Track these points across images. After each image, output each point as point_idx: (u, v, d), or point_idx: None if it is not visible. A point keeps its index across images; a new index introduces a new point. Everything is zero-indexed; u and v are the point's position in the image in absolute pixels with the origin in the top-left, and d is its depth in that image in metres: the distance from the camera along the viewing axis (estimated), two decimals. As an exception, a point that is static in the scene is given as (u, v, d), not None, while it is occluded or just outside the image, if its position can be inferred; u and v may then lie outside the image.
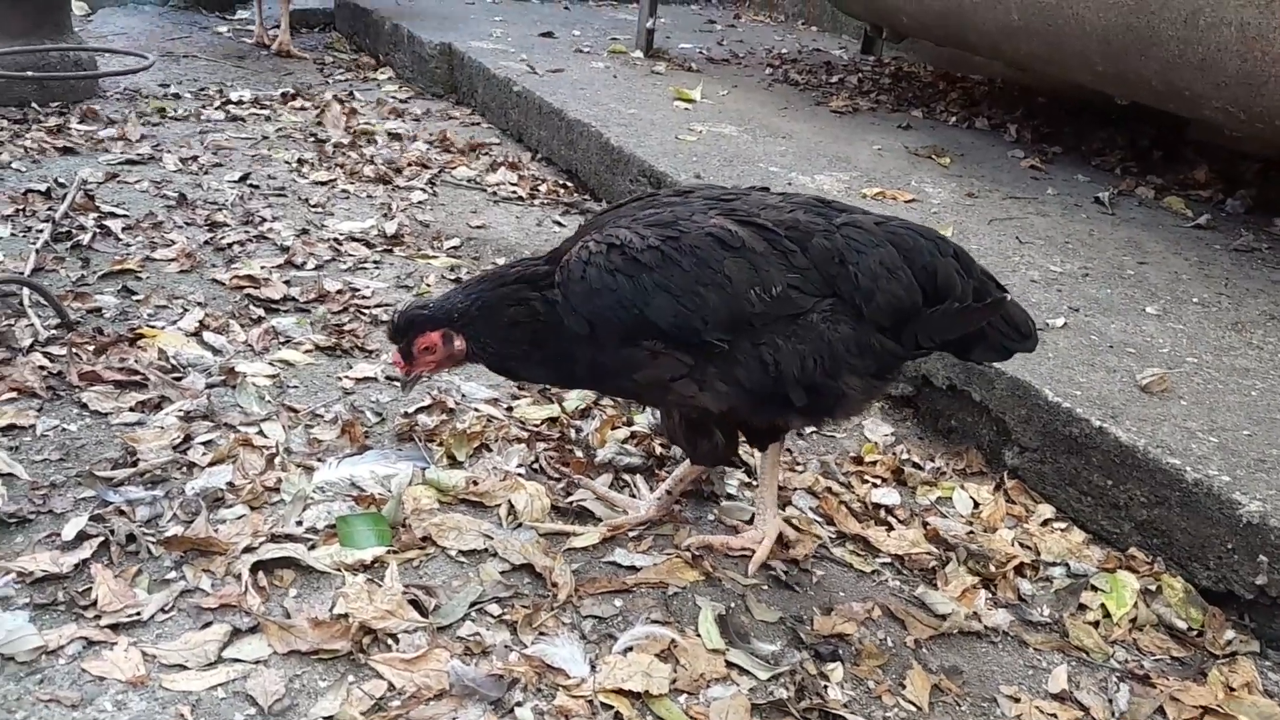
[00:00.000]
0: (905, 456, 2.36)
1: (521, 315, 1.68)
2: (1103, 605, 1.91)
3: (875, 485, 2.24)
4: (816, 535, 2.01)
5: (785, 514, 2.05)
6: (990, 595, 1.92)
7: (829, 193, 3.35)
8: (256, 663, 1.50)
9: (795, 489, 2.15)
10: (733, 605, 1.76)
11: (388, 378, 2.36)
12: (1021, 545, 2.07)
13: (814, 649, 1.69)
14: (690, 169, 3.43)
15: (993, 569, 1.97)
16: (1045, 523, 2.16)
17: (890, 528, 2.09)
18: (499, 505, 1.95)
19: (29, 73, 4.09)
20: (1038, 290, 2.71)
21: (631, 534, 1.92)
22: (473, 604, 1.67)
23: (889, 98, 4.91)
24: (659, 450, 2.20)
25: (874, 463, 2.33)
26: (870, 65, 5.72)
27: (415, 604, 1.63)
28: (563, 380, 1.93)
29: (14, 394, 2.10)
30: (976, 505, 2.20)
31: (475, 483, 1.99)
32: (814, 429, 2.06)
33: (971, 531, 2.09)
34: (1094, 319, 2.57)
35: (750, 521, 1.99)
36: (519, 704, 1.48)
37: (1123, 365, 2.33)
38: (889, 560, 1.99)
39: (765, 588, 1.85)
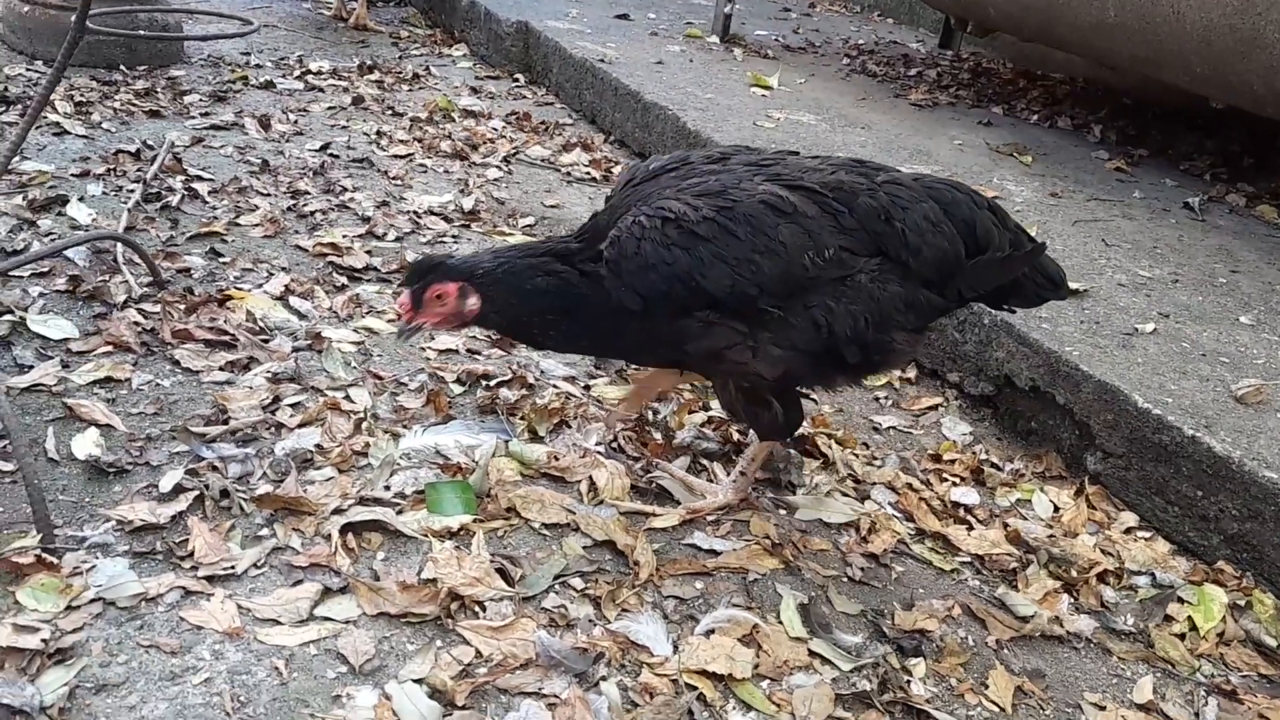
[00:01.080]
0: (984, 456, 2.33)
1: (551, 285, 1.67)
2: (1189, 618, 1.86)
3: (954, 484, 2.21)
4: (896, 531, 1.99)
5: (865, 508, 2.04)
6: (1073, 600, 1.89)
7: (909, 186, 3.30)
8: (347, 622, 1.52)
9: (875, 483, 2.13)
10: (813, 595, 1.75)
11: (388, 321, 2.41)
12: (1104, 552, 2.03)
13: (896, 643, 1.68)
14: (768, 156, 3.39)
15: (1075, 574, 1.93)
16: (1128, 530, 2.11)
17: (970, 527, 2.07)
18: (579, 481, 1.96)
19: (141, 32, 4.15)
20: (1125, 294, 2.65)
21: (710, 518, 1.92)
22: (556, 576, 1.68)
23: (968, 93, 4.82)
24: (736, 436, 2.19)
25: (952, 461, 2.30)
26: (948, 59, 5.63)
27: (502, 573, 1.64)
28: (596, 349, 1.96)
29: (110, 348, 2.15)
30: (1057, 509, 2.17)
31: (556, 458, 2.00)
32: (855, 385, 2.10)
33: (1052, 535, 2.06)
34: (1185, 326, 2.51)
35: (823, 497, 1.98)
36: (604, 678, 1.49)
37: (1216, 374, 2.27)
38: (969, 559, 1.97)
39: (845, 580, 1.83)
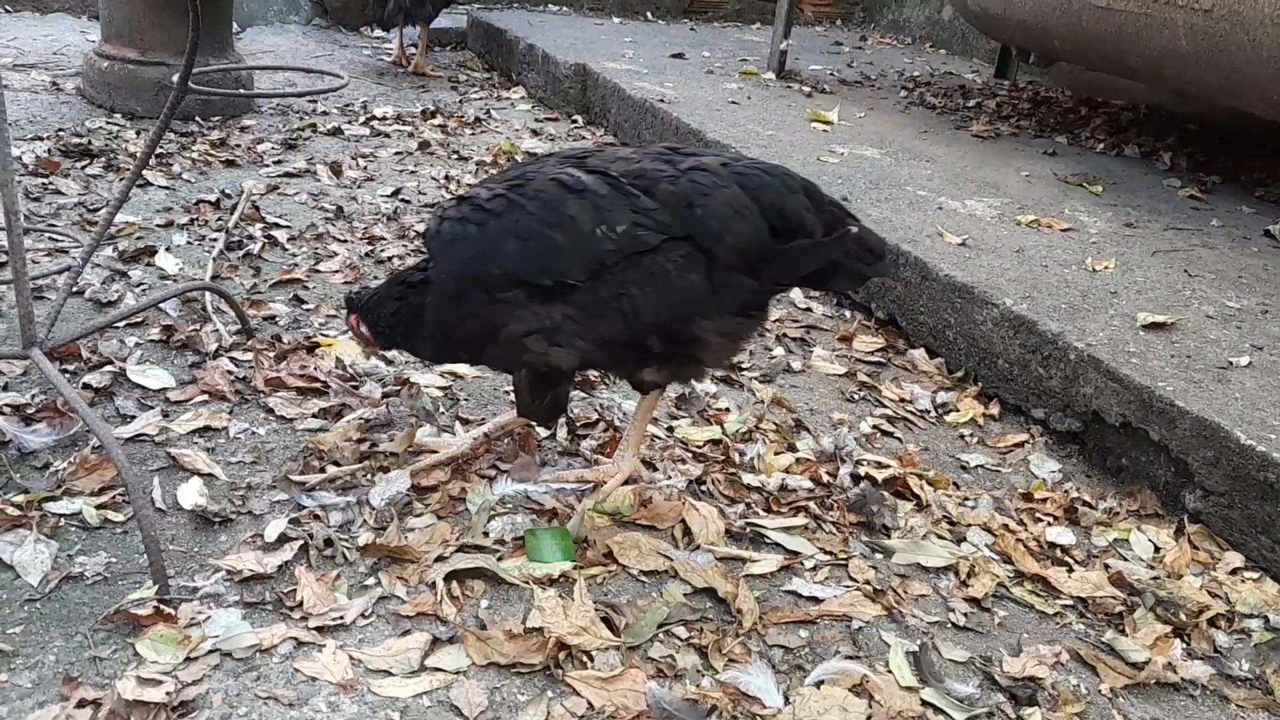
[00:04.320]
0: (1076, 494, 2.28)
1: (399, 306, 1.86)
2: (1309, 663, 1.80)
3: (1049, 524, 2.17)
4: (995, 574, 1.96)
5: (962, 550, 2.00)
6: (1184, 646, 1.83)
7: (981, 219, 3.28)
8: (457, 673, 1.52)
9: (969, 525, 2.09)
10: (921, 643, 1.72)
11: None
12: (1211, 594, 1.97)
13: (1010, 692, 1.64)
14: (836, 190, 3.38)
15: (1184, 618, 1.88)
16: (1234, 571, 2.05)
17: (1070, 569, 2.02)
18: (672, 526, 1.95)
19: (241, 91, 4.27)
20: (1215, 326, 2.60)
21: (808, 565, 1.89)
22: (660, 625, 1.66)
23: (1030, 123, 4.79)
24: (826, 478, 2.17)
25: (1044, 500, 2.26)
26: (1006, 89, 5.60)
27: (606, 621, 1.64)
28: (448, 355, 2.02)
29: (206, 396, 2.19)
30: (1157, 549, 2.11)
31: (645, 503, 2.00)
32: (679, 382, 2.05)
33: (1156, 577, 2.01)
34: (1280, 359, 2.45)
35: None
36: (717, 731, 1.47)
37: (1319, 409, 2.21)
38: (1071, 602, 1.92)
39: (949, 626, 1.80)
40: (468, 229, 1.71)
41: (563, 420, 2.25)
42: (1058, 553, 2.07)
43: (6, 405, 2.01)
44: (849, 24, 7.95)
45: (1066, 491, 2.29)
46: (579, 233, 1.66)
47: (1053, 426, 2.52)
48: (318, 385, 2.27)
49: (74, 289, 2.15)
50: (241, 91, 4.29)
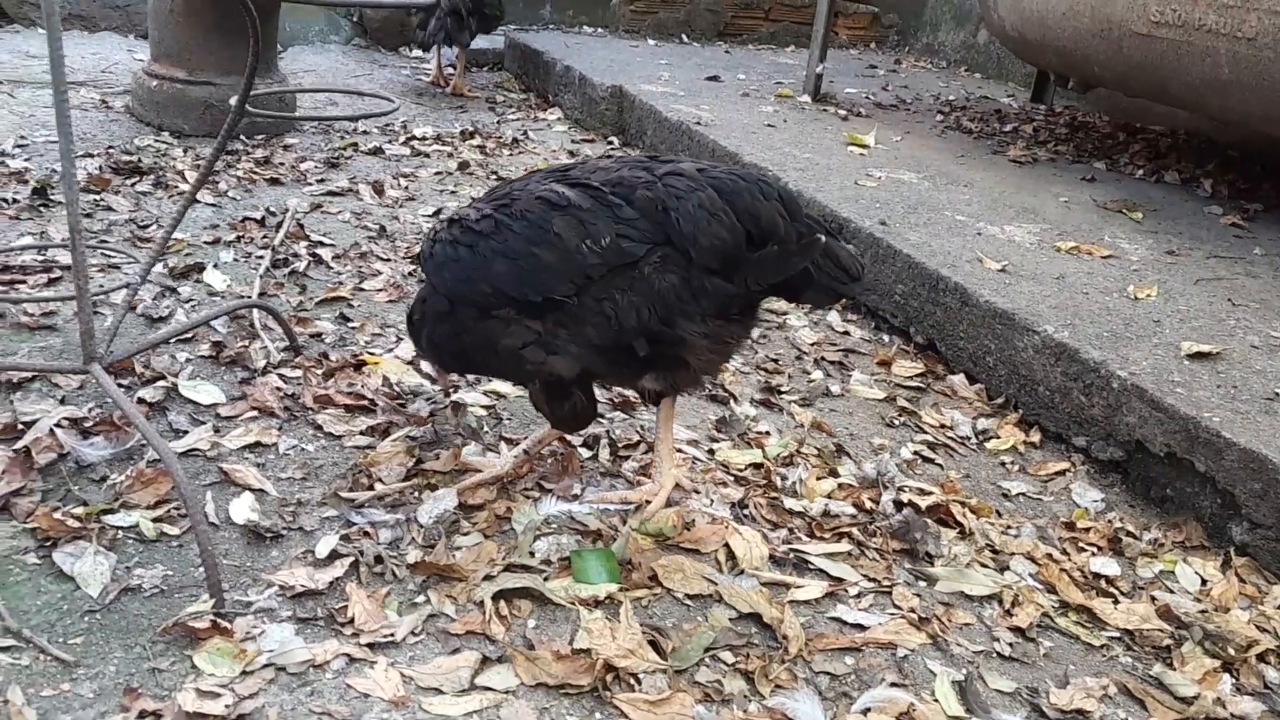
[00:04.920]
0: (1119, 524, 2.27)
1: (417, 315, 1.93)
2: (1362, 701, 1.78)
3: (1092, 554, 2.16)
4: (1039, 604, 1.95)
5: (1006, 579, 1.99)
6: (1234, 680, 1.81)
7: (1021, 245, 3.28)
8: (506, 692, 1.54)
9: (1013, 554, 2.09)
10: (967, 672, 1.71)
11: None
12: (1259, 628, 1.95)
13: (1058, 724, 1.63)
14: (874, 215, 3.41)
15: (1233, 652, 1.86)
16: (1283, 606, 2.03)
17: (1115, 600, 2.01)
18: (715, 550, 1.95)
19: (298, 114, 4.33)
20: (1261, 357, 2.58)
21: (852, 591, 1.90)
22: (706, 649, 1.67)
23: (1067, 148, 4.78)
24: (868, 504, 2.17)
25: (1087, 529, 2.24)
26: (1042, 114, 5.59)
27: (653, 645, 1.64)
28: (482, 369, 2.08)
29: (256, 412, 2.22)
30: (1204, 582, 2.10)
31: (688, 526, 2.01)
32: (678, 390, 2.03)
33: (1204, 610, 1.99)
34: (1329, 391, 2.42)
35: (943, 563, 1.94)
36: (765, 757, 1.47)
37: (1370, 443, 2.19)
38: (1118, 634, 1.91)
39: (995, 655, 1.79)
40: (459, 251, 1.77)
41: (605, 441, 2.27)
42: (1102, 583, 2.06)
43: (65, 419, 2.05)
44: (883, 47, 7.97)
45: (1110, 521, 2.28)
46: (564, 249, 1.72)
47: (1095, 455, 2.51)
48: (365, 403, 2.30)
49: (128, 306, 2.19)
50: (298, 114, 4.37)
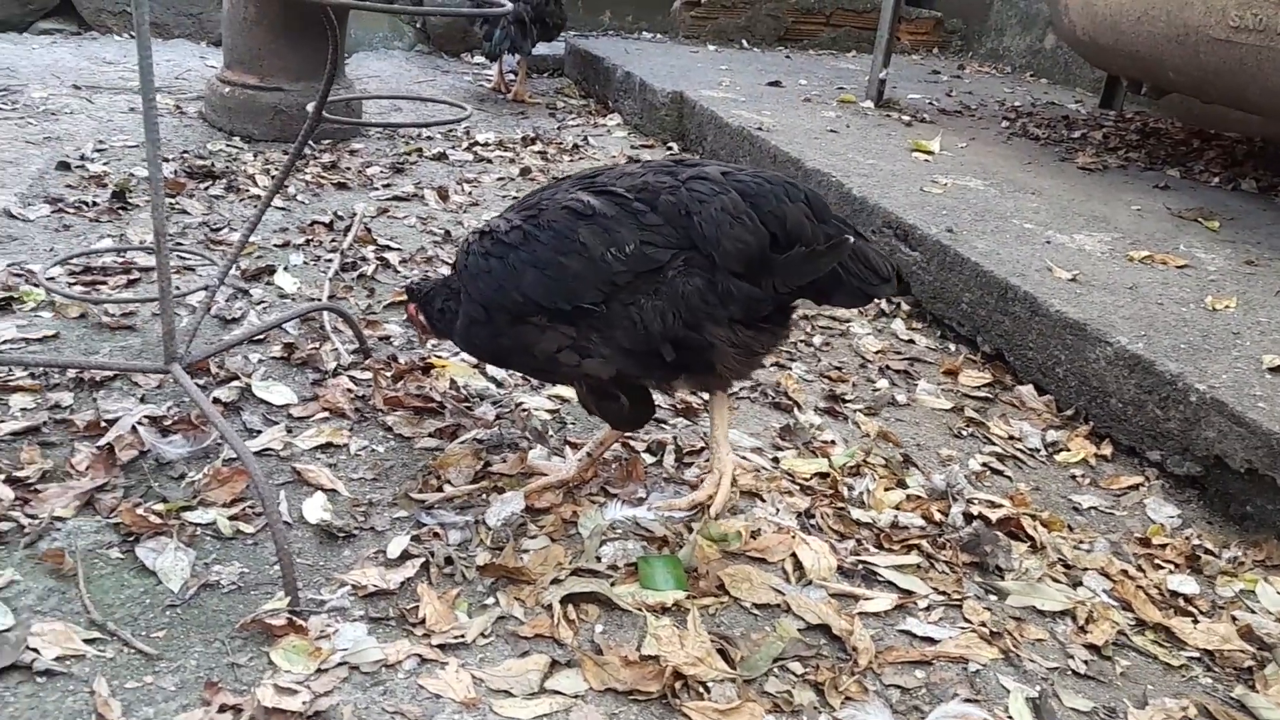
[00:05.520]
0: (1197, 542, 2.21)
1: (448, 306, 1.97)
2: None
3: (1169, 571, 2.10)
4: (1115, 621, 1.90)
5: (1079, 595, 1.95)
6: (1320, 706, 1.75)
7: (1092, 254, 3.21)
8: (575, 696, 1.54)
9: (1086, 569, 2.04)
10: (1041, 689, 1.68)
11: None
12: (1346, 653, 1.88)
13: (1136, 746, 1.59)
14: (940, 222, 3.36)
15: (1318, 676, 1.80)
16: (1371, 630, 1.96)
17: (1194, 619, 1.95)
18: (781, 560, 1.94)
19: (373, 122, 4.44)
20: (1347, 372, 2.49)
21: (921, 604, 1.87)
22: (775, 659, 1.66)
23: (1139, 155, 4.67)
24: (937, 516, 2.14)
25: (1163, 546, 2.19)
26: (1112, 120, 5.48)
27: (722, 653, 1.64)
28: (505, 364, 2.14)
29: (327, 414, 2.26)
30: (1287, 603, 2.03)
31: (754, 535, 2.00)
32: (709, 392, 2.03)
33: (1287, 632, 1.93)
34: None
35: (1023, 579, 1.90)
36: (836, 770, 1.46)
37: None
38: (1197, 655, 1.86)
39: (1069, 673, 1.76)
40: (490, 262, 1.81)
41: (671, 448, 2.27)
42: (1180, 602, 2.00)
43: (145, 417, 2.11)
44: (945, 52, 7.88)
45: (1187, 538, 2.22)
46: (590, 258, 1.74)
47: (1170, 470, 2.45)
48: (433, 405, 2.33)
49: (207, 307, 2.24)
50: (375, 122, 4.45)
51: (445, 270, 3.22)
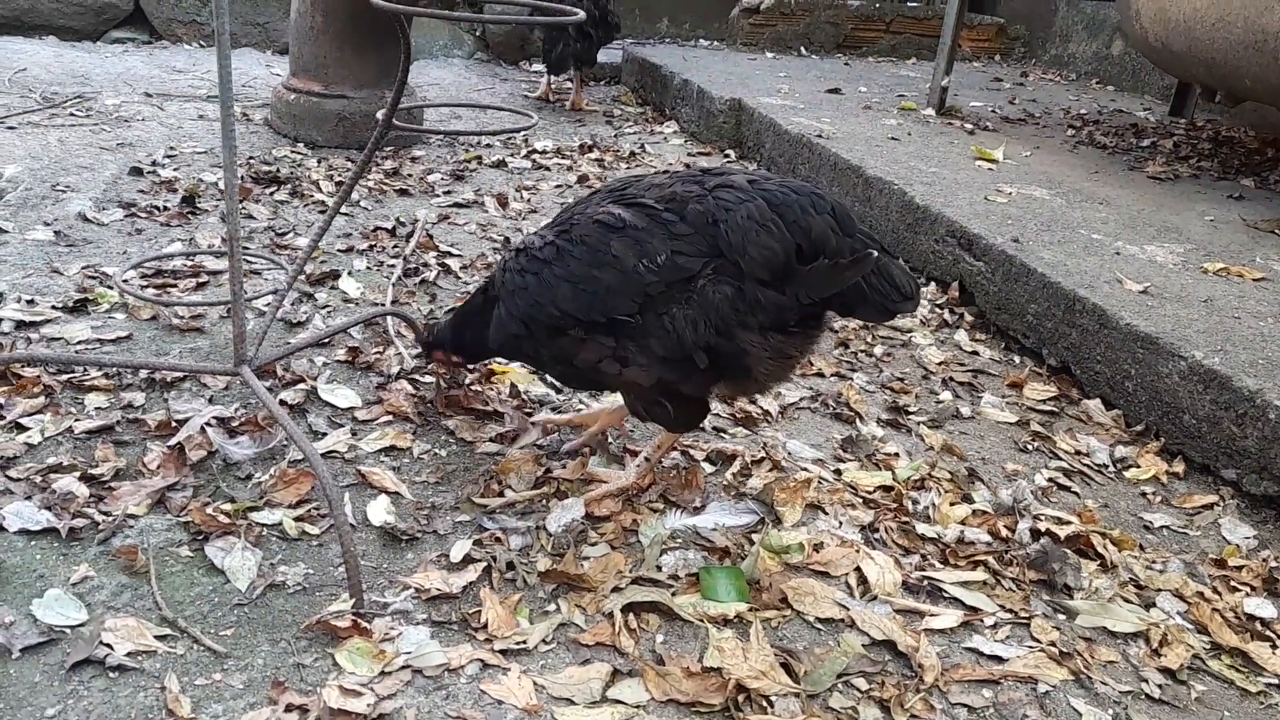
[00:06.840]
0: (1275, 564, 2.13)
1: (472, 332, 2.05)
2: None
3: (1246, 594, 2.03)
4: (1189, 644, 1.84)
5: (1152, 616, 1.89)
6: None
7: (1163, 265, 3.13)
8: (637, 706, 1.53)
9: (1159, 590, 1.98)
10: (1114, 713, 1.63)
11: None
12: None
13: (1215, 775, 1.54)
14: (1005, 231, 3.30)
15: (1407, 708, 1.73)
16: None
17: (1273, 644, 1.88)
18: (845, 574, 1.91)
19: (439, 128, 4.51)
20: None
21: (988, 622, 1.83)
22: (839, 675, 1.63)
23: (1211, 164, 4.55)
24: (1004, 532, 2.09)
25: (1239, 568, 2.12)
26: (1183, 128, 5.34)
27: (785, 667, 1.62)
28: (543, 371, 2.27)
29: (391, 417, 2.28)
30: (1372, 630, 1.95)
31: (817, 548, 1.97)
32: (743, 393, 2.10)
33: (1373, 661, 1.85)
34: None
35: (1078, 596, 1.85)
36: (902, 789, 1.43)
37: None
38: (1276, 681, 1.79)
39: (1143, 697, 1.70)
40: (526, 279, 1.86)
41: (739, 460, 2.26)
42: (1258, 626, 1.94)
43: (214, 417, 2.15)
44: (1008, 59, 7.76)
45: (1265, 560, 2.14)
46: (623, 270, 1.76)
47: (1246, 489, 2.37)
48: (493, 409, 2.34)
49: (275, 311, 2.28)
50: (441, 129, 4.50)
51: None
